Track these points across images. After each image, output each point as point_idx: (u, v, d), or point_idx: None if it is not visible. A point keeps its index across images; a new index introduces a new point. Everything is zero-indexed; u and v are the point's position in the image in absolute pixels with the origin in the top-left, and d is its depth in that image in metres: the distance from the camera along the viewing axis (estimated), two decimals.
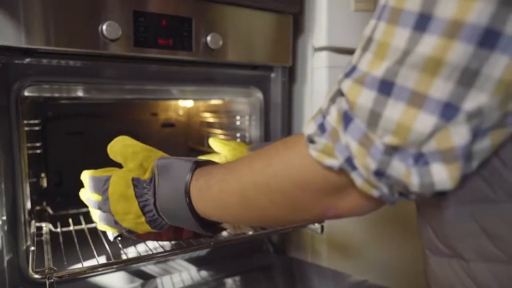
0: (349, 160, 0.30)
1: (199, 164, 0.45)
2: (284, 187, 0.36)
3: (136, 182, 0.47)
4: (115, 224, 0.49)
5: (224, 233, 0.82)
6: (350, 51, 0.92)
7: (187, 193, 0.43)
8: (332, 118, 0.31)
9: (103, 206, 0.50)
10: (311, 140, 0.33)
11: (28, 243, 0.66)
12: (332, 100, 0.32)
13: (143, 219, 0.47)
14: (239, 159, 0.43)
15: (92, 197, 0.52)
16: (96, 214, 0.53)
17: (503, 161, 0.30)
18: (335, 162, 0.31)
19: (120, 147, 0.53)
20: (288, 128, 0.94)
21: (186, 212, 0.44)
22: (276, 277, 0.86)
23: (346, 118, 0.30)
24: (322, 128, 0.32)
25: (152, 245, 0.72)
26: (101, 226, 0.53)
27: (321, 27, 0.88)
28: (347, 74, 0.31)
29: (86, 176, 0.54)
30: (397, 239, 1.02)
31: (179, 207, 0.44)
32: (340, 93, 0.31)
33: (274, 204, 0.38)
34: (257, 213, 0.40)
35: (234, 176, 0.41)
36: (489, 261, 0.34)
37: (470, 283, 0.35)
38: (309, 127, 0.34)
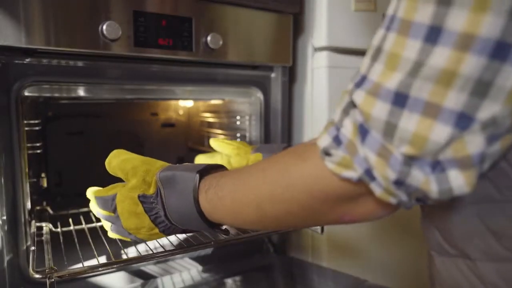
0: (368, 172, 0.30)
1: (202, 174, 0.46)
2: (300, 198, 0.36)
3: (143, 199, 0.48)
4: (128, 235, 0.51)
5: None
6: (350, 51, 0.92)
7: (197, 205, 0.44)
8: (347, 131, 0.32)
9: (115, 221, 0.51)
10: (326, 153, 0.33)
11: (29, 243, 0.66)
12: (345, 112, 0.32)
13: (156, 230, 0.49)
14: (247, 168, 0.43)
15: (102, 212, 0.53)
16: (108, 225, 0.54)
17: (510, 163, 0.31)
18: (353, 174, 0.31)
19: (118, 162, 0.52)
20: (288, 128, 0.94)
21: (198, 221, 0.45)
22: (276, 277, 0.86)
23: (362, 131, 0.30)
24: (337, 140, 0.32)
25: (153, 245, 0.72)
26: (113, 235, 0.54)
27: (321, 27, 0.88)
28: (358, 85, 0.31)
29: (91, 195, 0.55)
30: (397, 239, 1.02)
31: (190, 217, 0.45)
32: (352, 104, 0.32)
33: (290, 214, 0.38)
34: (272, 221, 0.41)
35: (246, 186, 0.41)
36: (496, 261, 0.34)
37: (477, 282, 0.36)
38: (323, 139, 0.34)
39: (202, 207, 0.44)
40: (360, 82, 0.31)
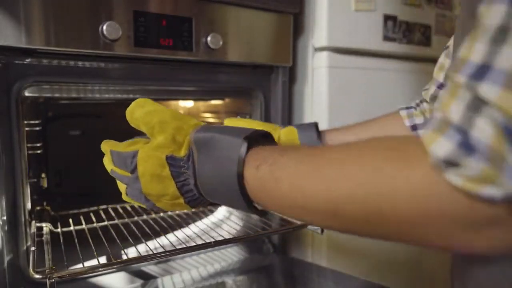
0: None
1: (251, 142, 0.37)
2: (399, 212, 0.28)
3: (171, 161, 0.41)
4: (145, 201, 0.44)
5: (225, 234, 0.82)
6: (350, 51, 0.92)
7: (240, 179, 0.37)
8: (486, 134, 0.24)
9: (133, 184, 0.44)
10: (450, 163, 0.25)
11: (29, 243, 0.66)
12: (474, 110, 0.25)
13: (181, 200, 0.42)
14: (317, 152, 0.35)
15: (117, 170, 0.46)
16: (122, 187, 0.47)
17: None
18: (497, 191, 0.24)
19: (143, 114, 0.44)
20: None
21: (236, 197, 0.38)
22: (276, 277, 0.86)
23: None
24: (467, 147, 0.24)
25: (153, 245, 0.72)
26: (127, 199, 0.48)
27: (322, 27, 0.88)
28: (478, 76, 0.25)
29: (107, 148, 0.47)
30: None
31: (227, 191, 0.38)
32: (481, 100, 0.25)
33: (377, 225, 0.30)
34: (347, 226, 0.33)
35: (316, 175, 0.33)
36: None
37: None
38: (440, 146, 0.25)
39: (247, 183, 0.37)
40: (481, 73, 0.25)
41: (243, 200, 0.38)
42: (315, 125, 0.63)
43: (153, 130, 0.43)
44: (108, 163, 0.48)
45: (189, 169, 0.41)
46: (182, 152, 0.41)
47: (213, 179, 0.39)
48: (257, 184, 0.36)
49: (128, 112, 0.46)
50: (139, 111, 0.45)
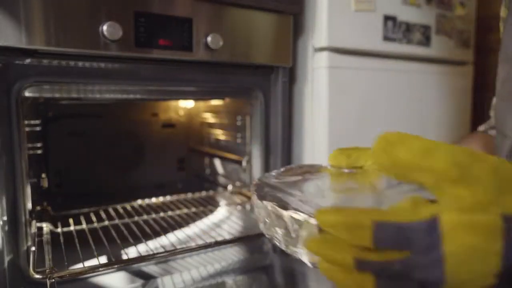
0: None
1: None
2: None
3: (508, 224, 0.26)
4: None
5: (225, 234, 0.82)
6: (350, 51, 0.92)
7: None
8: None
9: (422, 270, 0.26)
10: None
11: (29, 243, 0.66)
12: None
13: (491, 279, 0.27)
14: None
15: (370, 257, 0.27)
16: (368, 282, 0.28)
17: None
18: None
19: (418, 155, 0.27)
20: (288, 129, 0.94)
21: None
22: (276, 277, 0.86)
23: None
24: None
25: (153, 245, 0.72)
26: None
27: (322, 27, 0.88)
28: None
29: (361, 221, 0.27)
30: None
31: None
32: None
33: None
34: None
35: None
36: None
37: None
38: None
39: None
40: None
41: None
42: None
43: (445, 178, 0.27)
44: (340, 248, 0.29)
45: None
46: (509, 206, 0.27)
47: None
48: None
49: (383, 154, 0.28)
50: (406, 151, 0.27)
